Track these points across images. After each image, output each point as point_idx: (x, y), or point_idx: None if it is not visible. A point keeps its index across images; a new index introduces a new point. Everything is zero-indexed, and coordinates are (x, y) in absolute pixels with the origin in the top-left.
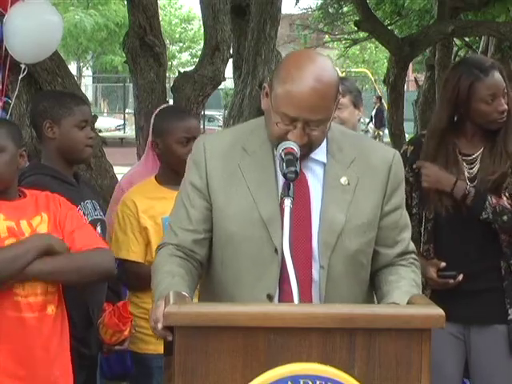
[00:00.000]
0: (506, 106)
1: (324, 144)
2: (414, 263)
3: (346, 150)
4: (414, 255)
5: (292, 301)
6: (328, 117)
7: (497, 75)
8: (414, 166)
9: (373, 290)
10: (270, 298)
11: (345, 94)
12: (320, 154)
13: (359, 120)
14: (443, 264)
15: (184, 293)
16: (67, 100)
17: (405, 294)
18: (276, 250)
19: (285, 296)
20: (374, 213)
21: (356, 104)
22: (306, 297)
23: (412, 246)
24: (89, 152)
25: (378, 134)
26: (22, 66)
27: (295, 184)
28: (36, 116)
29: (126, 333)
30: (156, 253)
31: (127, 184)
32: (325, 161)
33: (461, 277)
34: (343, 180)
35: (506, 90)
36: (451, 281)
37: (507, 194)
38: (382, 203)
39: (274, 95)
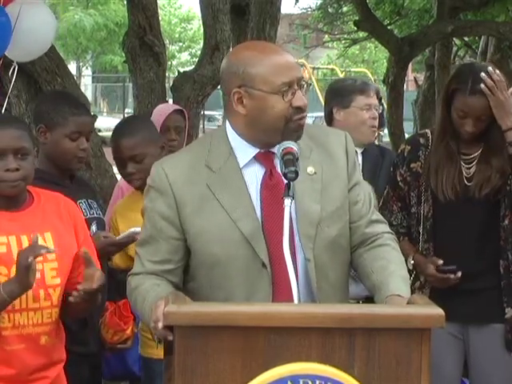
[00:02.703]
0: (472, 129)
1: None
2: (390, 238)
3: (300, 141)
4: (386, 227)
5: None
6: None
7: (482, 101)
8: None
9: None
10: None
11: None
12: None
13: None
14: (441, 261)
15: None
16: (65, 108)
17: (399, 278)
18: (263, 264)
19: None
20: (344, 195)
21: None
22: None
23: (379, 215)
24: (78, 163)
25: (378, 134)
26: (15, 65)
27: (270, 183)
28: (35, 116)
29: (128, 332)
30: (128, 279)
31: (126, 184)
32: None
33: (460, 273)
34: (310, 170)
35: (485, 115)
36: (452, 276)
37: (506, 212)
38: (347, 184)
39: (258, 82)
